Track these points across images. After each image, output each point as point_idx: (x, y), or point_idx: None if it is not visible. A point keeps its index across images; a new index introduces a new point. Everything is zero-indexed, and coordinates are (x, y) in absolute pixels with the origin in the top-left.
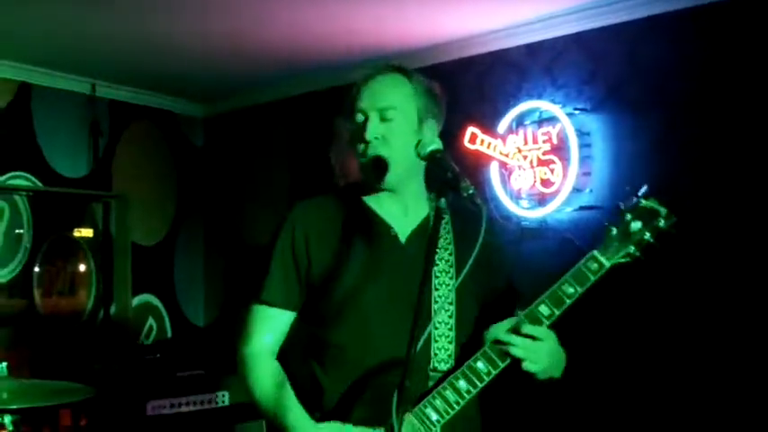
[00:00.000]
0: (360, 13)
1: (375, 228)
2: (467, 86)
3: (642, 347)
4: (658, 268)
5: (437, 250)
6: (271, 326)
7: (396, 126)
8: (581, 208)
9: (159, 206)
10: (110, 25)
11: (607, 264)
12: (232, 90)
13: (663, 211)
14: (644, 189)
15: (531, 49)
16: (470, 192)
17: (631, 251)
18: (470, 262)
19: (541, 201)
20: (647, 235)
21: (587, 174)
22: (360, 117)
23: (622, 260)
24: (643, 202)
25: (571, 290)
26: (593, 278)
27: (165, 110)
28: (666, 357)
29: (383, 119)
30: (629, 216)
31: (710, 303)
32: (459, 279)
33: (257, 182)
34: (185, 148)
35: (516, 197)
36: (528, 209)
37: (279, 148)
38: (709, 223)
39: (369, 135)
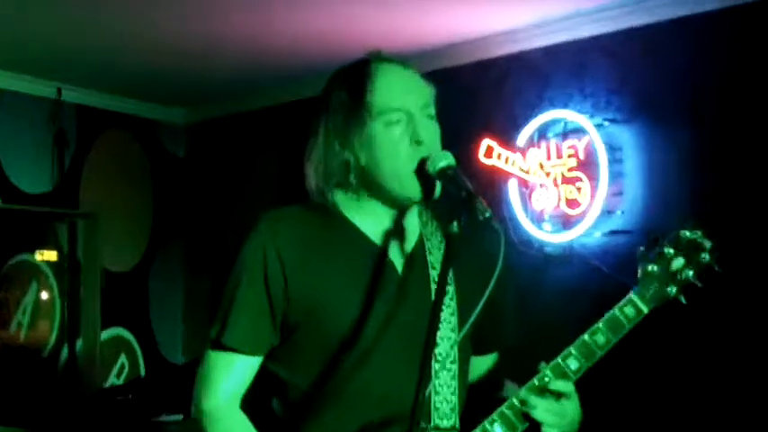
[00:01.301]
0: (363, 11)
1: (365, 252)
2: (482, 93)
3: (670, 400)
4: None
5: (436, 279)
6: (235, 374)
7: (438, 126)
8: (611, 232)
9: (133, 226)
10: (78, 20)
11: (645, 309)
12: (218, 94)
13: (708, 244)
14: (685, 217)
15: (556, 51)
16: (487, 214)
17: (672, 294)
18: (479, 307)
19: (566, 224)
20: (691, 274)
21: (618, 193)
22: (396, 116)
23: (662, 303)
24: (687, 233)
25: (603, 339)
26: (628, 326)
27: (142, 117)
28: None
29: (428, 116)
30: (670, 251)
31: (754, 347)
32: (464, 331)
33: (246, 198)
34: (164, 159)
35: (538, 219)
36: (551, 233)
37: (271, 160)
38: (757, 250)
39: (423, 135)
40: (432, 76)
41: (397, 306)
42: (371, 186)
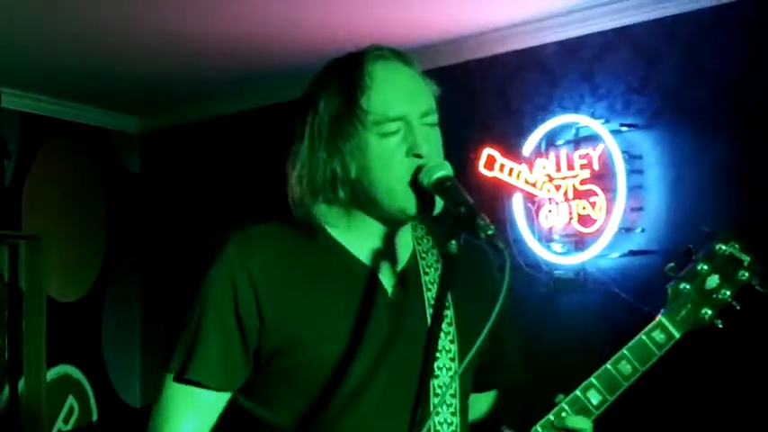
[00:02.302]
0: (348, 3)
1: (352, 274)
2: (484, 95)
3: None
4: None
5: (432, 301)
6: (199, 413)
7: (439, 135)
8: (630, 253)
9: (83, 250)
10: (19, 18)
11: (677, 334)
12: (176, 100)
13: (747, 258)
14: (720, 231)
15: (567, 47)
16: (490, 232)
17: (708, 317)
18: (484, 333)
19: (579, 244)
20: (727, 293)
21: (638, 209)
22: (393, 126)
23: (696, 328)
24: (722, 247)
25: (629, 369)
26: (658, 353)
27: (91, 125)
28: None
29: (427, 124)
30: (704, 267)
31: None
32: (466, 361)
33: (211, 217)
34: (117, 172)
35: (547, 239)
36: (562, 254)
37: (239, 173)
38: None
39: (423, 148)
40: (427, 76)
41: (388, 334)
42: (362, 201)
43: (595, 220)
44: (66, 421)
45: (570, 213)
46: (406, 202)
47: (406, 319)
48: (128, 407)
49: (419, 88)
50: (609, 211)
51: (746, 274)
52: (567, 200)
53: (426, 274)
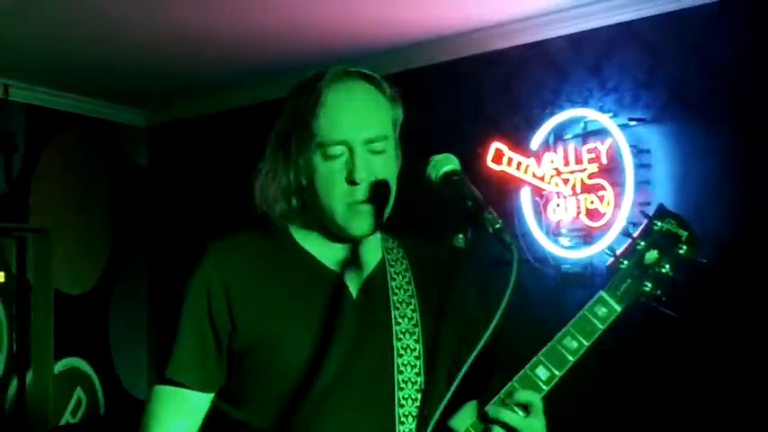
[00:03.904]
0: None
1: (317, 278)
2: (492, 89)
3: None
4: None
5: (398, 305)
6: (182, 414)
7: (387, 160)
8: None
9: (91, 242)
10: (26, 10)
11: (618, 308)
12: (184, 93)
13: (683, 234)
14: (656, 208)
15: (574, 41)
16: (497, 226)
17: (648, 289)
18: (500, 311)
19: (587, 238)
20: (666, 267)
21: (646, 203)
22: (337, 150)
23: (639, 301)
24: (658, 224)
25: (575, 344)
26: (601, 327)
27: (99, 118)
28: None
29: (372, 152)
30: (642, 244)
31: None
32: (458, 380)
33: (217, 210)
34: (125, 167)
35: (554, 233)
36: (569, 248)
37: (246, 167)
38: None
39: (360, 175)
40: (435, 70)
41: (354, 335)
42: (313, 212)
43: (603, 215)
44: (73, 414)
45: (578, 207)
46: (345, 222)
47: (370, 321)
48: (135, 399)
49: (369, 115)
50: (617, 206)
51: (684, 248)
52: (574, 194)
53: (394, 279)
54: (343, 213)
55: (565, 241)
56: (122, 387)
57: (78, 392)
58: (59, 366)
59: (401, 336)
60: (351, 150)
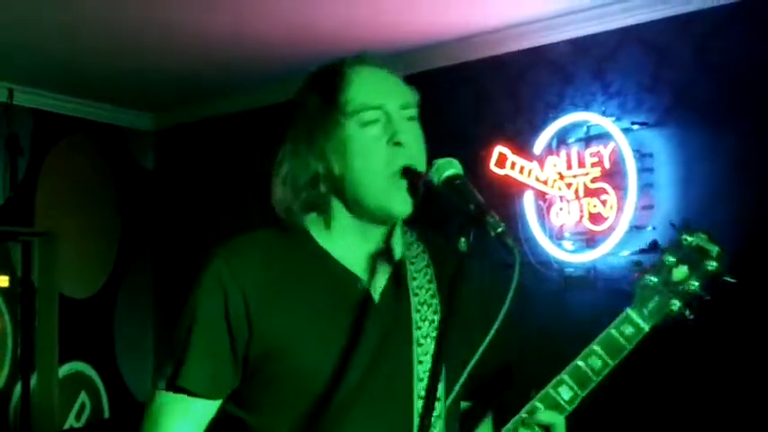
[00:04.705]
0: (357, 3)
1: (337, 282)
2: (495, 93)
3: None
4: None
5: (419, 307)
6: (187, 422)
7: (420, 130)
8: (641, 251)
9: (96, 246)
10: (32, 14)
11: (646, 327)
12: (191, 96)
13: (714, 249)
14: (683, 221)
15: (578, 45)
16: (499, 230)
17: (676, 309)
18: (501, 315)
19: (590, 242)
20: (695, 285)
21: (649, 207)
22: (373, 115)
23: (666, 319)
24: (688, 238)
25: (599, 363)
26: (628, 347)
27: (105, 122)
28: None
29: (407, 118)
30: (670, 259)
31: None
32: (462, 380)
33: (224, 214)
34: (131, 169)
35: (557, 237)
36: (572, 252)
37: (253, 170)
38: None
39: (404, 136)
40: (438, 75)
41: (375, 339)
42: (346, 199)
43: (606, 218)
44: (77, 418)
45: (581, 211)
46: (386, 198)
47: (391, 326)
48: (139, 404)
49: (395, 84)
50: (620, 209)
51: (715, 264)
52: (577, 198)
53: (415, 279)
54: (384, 188)
55: (568, 245)
56: (127, 391)
57: (83, 396)
58: (64, 370)
59: (422, 341)
60: (387, 115)
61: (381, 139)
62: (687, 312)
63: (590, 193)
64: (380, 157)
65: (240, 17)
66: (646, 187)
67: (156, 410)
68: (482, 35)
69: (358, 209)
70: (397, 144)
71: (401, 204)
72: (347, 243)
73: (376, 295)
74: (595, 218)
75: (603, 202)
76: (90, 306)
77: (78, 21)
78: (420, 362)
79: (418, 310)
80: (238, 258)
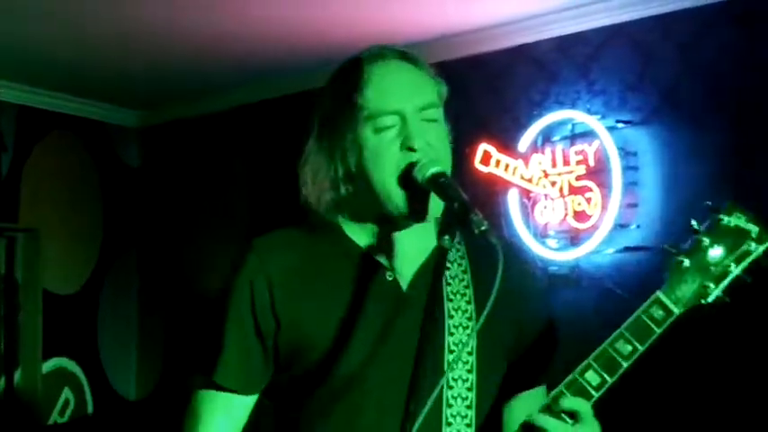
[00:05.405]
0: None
1: (365, 271)
2: (479, 91)
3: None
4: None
5: (451, 296)
6: (227, 417)
7: (441, 130)
8: (625, 249)
9: (80, 243)
10: (16, 7)
11: (677, 310)
12: (177, 93)
13: (754, 229)
14: (725, 204)
15: (562, 43)
16: (483, 228)
17: (711, 291)
18: (489, 306)
19: (574, 239)
20: (734, 266)
21: (633, 205)
22: (388, 120)
23: (699, 303)
24: (725, 218)
25: (628, 348)
26: (658, 331)
27: (90, 119)
28: None
29: (425, 120)
30: (705, 240)
31: None
32: (480, 322)
33: (209, 213)
34: (116, 167)
35: (542, 235)
36: (557, 250)
37: (238, 168)
38: None
39: (417, 142)
40: (436, 75)
41: (400, 329)
42: (365, 198)
43: (590, 216)
44: (61, 414)
45: (565, 209)
46: (398, 198)
47: (421, 315)
48: (123, 400)
49: (418, 83)
50: (604, 207)
51: (754, 245)
52: (562, 196)
53: (448, 268)
54: (395, 189)
55: (552, 243)
56: (111, 387)
57: (66, 392)
58: (47, 366)
59: (453, 330)
60: (403, 119)
61: (395, 144)
62: (723, 296)
63: (574, 190)
64: (391, 162)
65: (230, 13)
66: (630, 185)
67: (196, 407)
68: (467, 33)
69: (375, 207)
70: (409, 150)
71: (408, 207)
72: (376, 235)
73: (405, 285)
74: (580, 216)
75: (588, 200)
76: (74, 302)
77: (64, 16)
78: (451, 351)
79: (450, 299)
80: (269, 251)
